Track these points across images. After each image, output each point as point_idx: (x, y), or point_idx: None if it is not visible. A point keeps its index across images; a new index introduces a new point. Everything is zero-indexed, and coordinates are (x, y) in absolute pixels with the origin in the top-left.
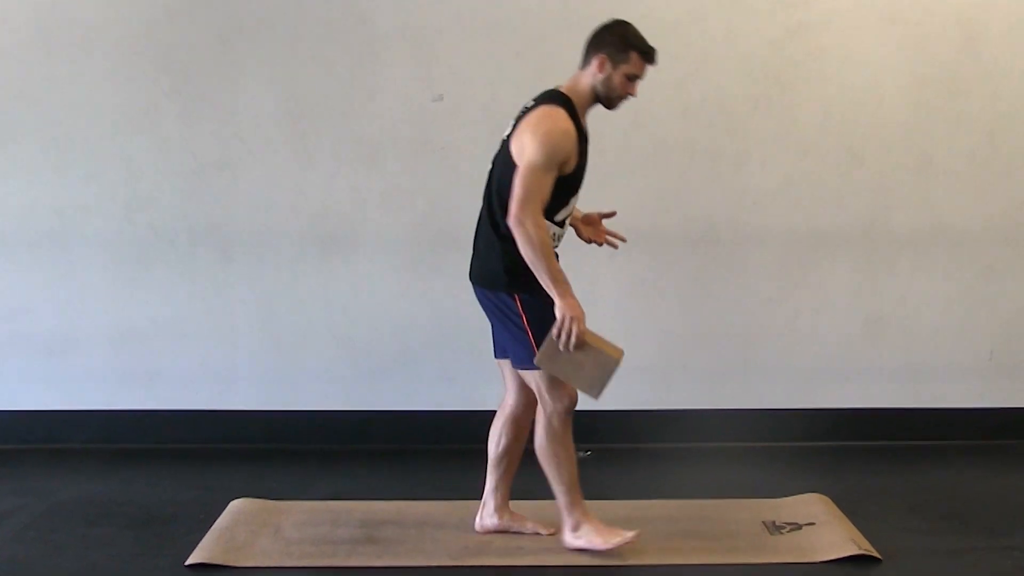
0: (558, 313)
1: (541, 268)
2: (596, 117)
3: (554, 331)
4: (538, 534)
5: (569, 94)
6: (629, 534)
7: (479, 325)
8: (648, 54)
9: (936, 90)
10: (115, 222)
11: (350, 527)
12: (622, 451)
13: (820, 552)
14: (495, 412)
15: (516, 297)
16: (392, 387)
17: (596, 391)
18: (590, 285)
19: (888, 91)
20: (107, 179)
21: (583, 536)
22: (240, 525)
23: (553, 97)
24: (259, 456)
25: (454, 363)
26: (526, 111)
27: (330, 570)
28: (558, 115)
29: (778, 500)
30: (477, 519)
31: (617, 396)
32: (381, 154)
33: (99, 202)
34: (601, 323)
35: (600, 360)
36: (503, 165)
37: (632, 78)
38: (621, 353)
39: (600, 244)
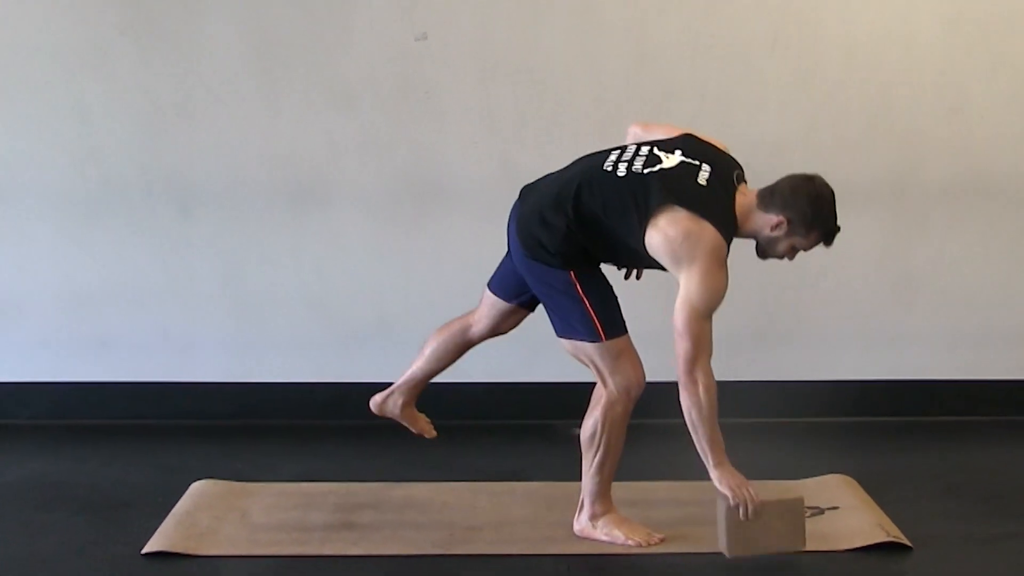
0: (722, 486)
1: (704, 432)
2: (595, 64)
3: (731, 503)
4: (423, 436)
5: (739, 217)
6: (656, 536)
7: (466, 288)
8: (829, 239)
9: (973, 27)
10: (63, 174)
11: (324, 511)
12: (637, 428)
13: (845, 539)
14: (482, 384)
15: (571, 272)
16: (370, 356)
17: (802, 541)
18: None
19: (920, 28)
20: (55, 126)
21: (603, 528)
22: (202, 509)
23: (726, 215)
24: (223, 433)
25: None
26: (694, 180)
27: (302, 559)
28: (721, 256)
29: (798, 482)
30: (378, 399)
31: None
32: (358, 98)
33: (46, 152)
34: None
35: (787, 510)
36: (627, 199)
37: (797, 250)
38: (798, 494)
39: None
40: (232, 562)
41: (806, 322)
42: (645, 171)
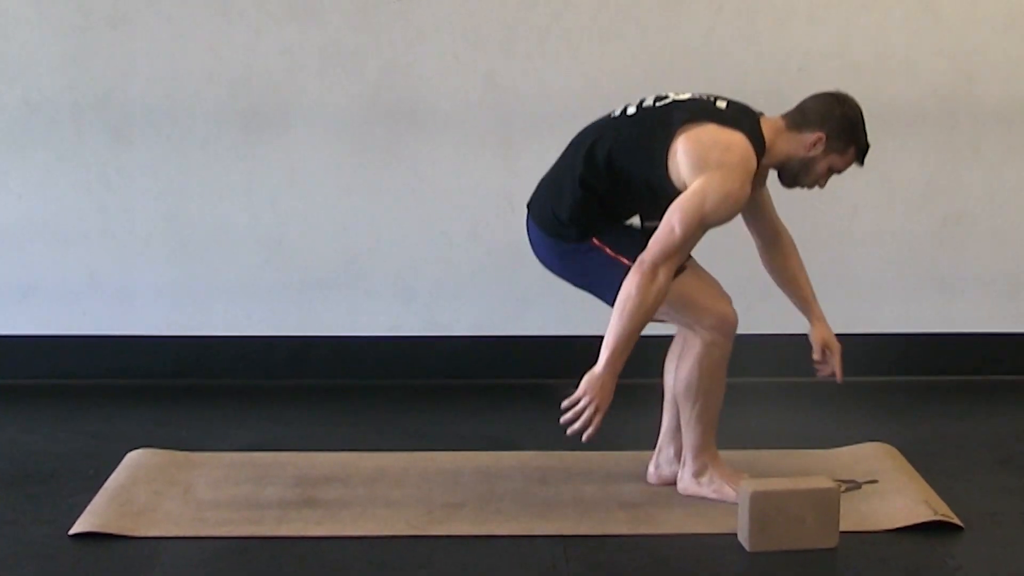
0: (585, 386)
1: (620, 328)
2: None
3: (568, 403)
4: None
5: (767, 141)
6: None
7: (445, 224)
8: (863, 156)
9: None
10: None
11: (281, 486)
12: (634, 388)
13: (885, 518)
14: (465, 338)
15: (592, 240)
16: (335, 306)
17: (834, 537)
18: None
19: None
20: None
21: (709, 484)
22: (140, 484)
23: (756, 133)
24: (164, 395)
25: (413, 275)
26: (713, 104)
27: (255, 540)
28: (749, 170)
29: (831, 451)
30: (651, 467)
31: None
32: (321, 6)
33: None
34: None
35: (819, 501)
36: (643, 130)
37: (835, 173)
38: (833, 484)
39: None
40: (174, 544)
41: (840, 266)
42: (658, 104)
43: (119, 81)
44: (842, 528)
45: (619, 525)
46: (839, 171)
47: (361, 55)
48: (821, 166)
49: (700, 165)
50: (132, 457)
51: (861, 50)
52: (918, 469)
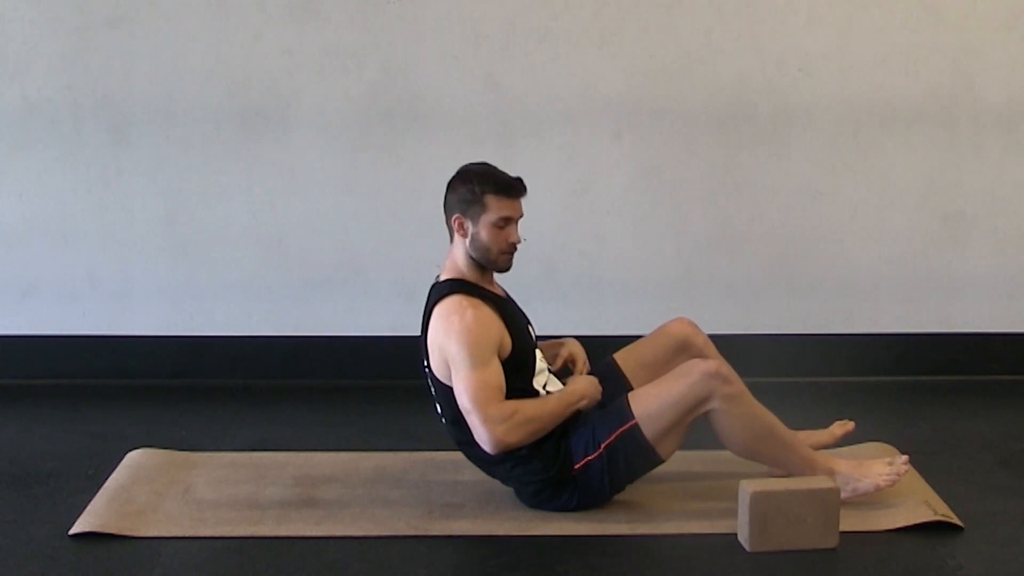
0: (577, 395)
1: (553, 423)
2: None
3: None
4: None
5: (454, 276)
6: (901, 461)
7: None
8: (506, 186)
9: None
10: None
11: (281, 486)
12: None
13: (885, 519)
14: None
15: (574, 468)
16: (334, 305)
17: (834, 538)
18: (587, 173)
19: None
20: None
21: (845, 486)
22: (139, 484)
23: (441, 291)
24: (163, 395)
25: (412, 275)
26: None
27: (255, 540)
28: (459, 304)
29: (830, 452)
30: None
31: (624, 318)
32: (320, 5)
33: None
34: (602, 223)
35: (819, 501)
36: (435, 392)
37: (503, 223)
38: (832, 483)
39: None
40: (174, 544)
41: (839, 266)
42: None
43: (119, 81)
44: (842, 528)
45: (619, 525)
46: (507, 220)
47: (361, 55)
48: (483, 234)
49: (444, 352)
50: (132, 457)
51: (861, 50)
52: (918, 469)
